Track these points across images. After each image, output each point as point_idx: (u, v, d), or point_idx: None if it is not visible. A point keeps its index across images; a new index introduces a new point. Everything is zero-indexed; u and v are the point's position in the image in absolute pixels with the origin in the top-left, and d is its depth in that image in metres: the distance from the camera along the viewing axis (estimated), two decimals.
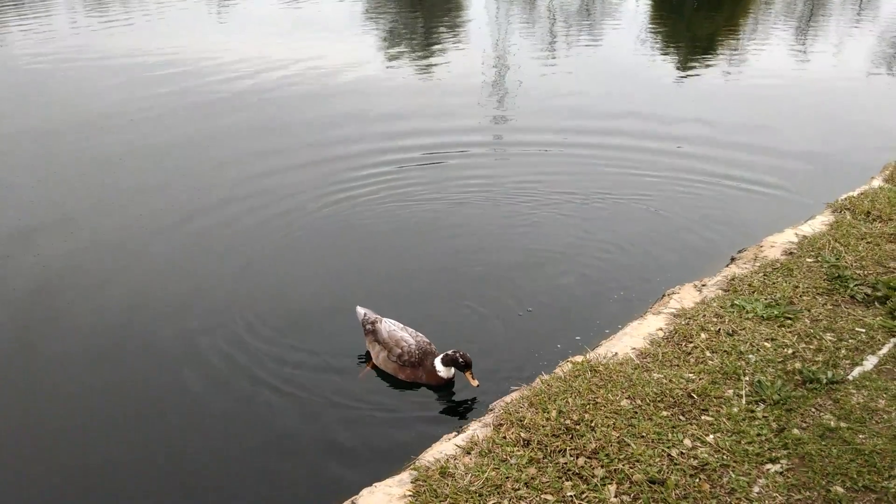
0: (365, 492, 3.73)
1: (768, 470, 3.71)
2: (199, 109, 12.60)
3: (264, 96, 13.34)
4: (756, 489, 3.59)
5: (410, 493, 3.64)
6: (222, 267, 7.22)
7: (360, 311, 5.79)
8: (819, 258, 5.85)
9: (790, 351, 4.67)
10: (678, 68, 16.21)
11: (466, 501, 3.51)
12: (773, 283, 5.51)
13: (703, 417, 4.08)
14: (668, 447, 3.83)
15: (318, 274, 7.18)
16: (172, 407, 5.21)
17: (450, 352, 5.22)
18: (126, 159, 10.07)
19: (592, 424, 3.99)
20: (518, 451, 3.85)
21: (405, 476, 3.80)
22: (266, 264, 7.28)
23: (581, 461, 3.75)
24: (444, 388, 5.37)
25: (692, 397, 4.23)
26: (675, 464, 3.72)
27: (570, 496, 3.54)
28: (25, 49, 17.20)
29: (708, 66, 16.31)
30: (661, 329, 5.05)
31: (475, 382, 5.14)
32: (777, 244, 6.23)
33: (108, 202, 8.65)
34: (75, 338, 6.00)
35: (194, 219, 8.17)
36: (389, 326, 5.52)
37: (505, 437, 3.97)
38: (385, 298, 6.49)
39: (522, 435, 3.96)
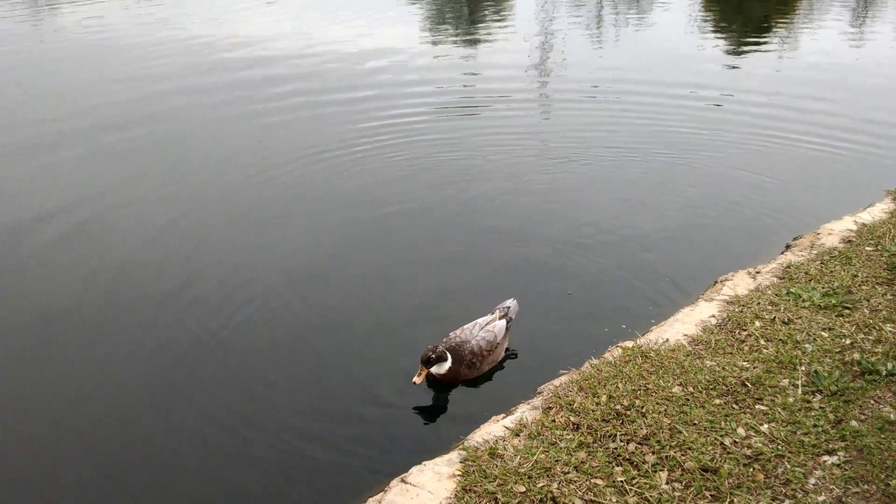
0: (414, 470, 3.75)
1: (825, 462, 3.63)
2: (249, 83, 12.91)
3: (306, 72, 13.57)
4: (812, 481, 3.52)
5: (459, 473, 3.65)
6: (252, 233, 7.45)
7: (509, 303, 5.52)
8: (879, 247, 5.68)
9: (848, 341, 4.55)
10: (729, 50, 15.85)
11: (516, 483, 3.51)
12: (831, 272, 5.37)
13: (757, 407, 4.00)
14: (720, 435, 3.78)
15: (358, 243, 7.27)
16: (218, 380, 5.27)
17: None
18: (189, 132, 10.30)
19: (643, 410, 3.95)
20: (567, 434, 3.83)
21: (454, 456, 3.81)
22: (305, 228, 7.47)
23: (632, 447, 3.72)
24: (437, 386, 5.18)
25: (746, 386, 4.16)
26: (729, 452, 3.66)
27: (621, 482, 3.51)
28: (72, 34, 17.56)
29: (761, 47, 15.91)
30: (713, 316, 4.96)
31: (416, 378, 4.94)
32: (835, 231, 6.07)
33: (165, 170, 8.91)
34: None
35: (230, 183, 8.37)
36: (483, 320, 5.37)
37: (554, 421, 3.95)
38: (412, 275, 6.58)
39: (572, 419, 3.94)
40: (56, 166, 9.16)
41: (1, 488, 4.37)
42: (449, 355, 5.08)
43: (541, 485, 3.49)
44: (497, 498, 3.44)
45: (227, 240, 7.36)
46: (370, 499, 3.73)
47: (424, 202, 8.10)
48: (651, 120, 10.63)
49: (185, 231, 7.47)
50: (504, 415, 4.25)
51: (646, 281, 6.37)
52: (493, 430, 4.01)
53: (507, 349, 5.49)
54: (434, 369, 5.08)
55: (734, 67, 14.17)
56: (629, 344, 4.67)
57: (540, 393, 4.35)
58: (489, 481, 3.54)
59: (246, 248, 7.18)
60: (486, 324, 5.33)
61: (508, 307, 5.51)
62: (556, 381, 4.40)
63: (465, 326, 5.33)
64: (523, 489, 3.47)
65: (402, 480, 3.70)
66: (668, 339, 4.69)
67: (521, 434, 3.89)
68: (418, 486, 3.63)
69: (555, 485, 3.48)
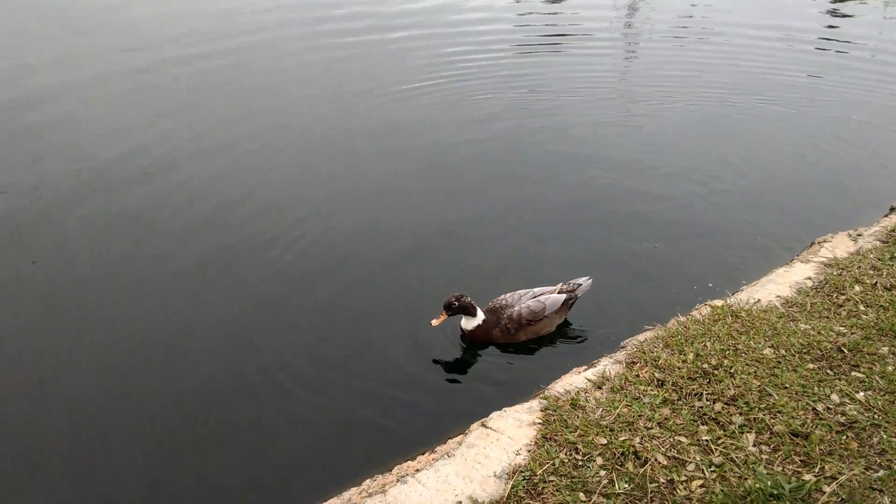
0: (495, 415, 3.79)
1: None
2: (330, 18, 12.89)
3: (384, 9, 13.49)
4: None
5: (540, 421, 3.66)
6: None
7: (581, 280, 5.28)
8: None
9: None
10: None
11: (597, 435, 3.50)
12: None
13: (853, 374, 3.85)
14: (813, 401, 3.65)
15: (432, 184, 7.24)
16: (297, 324, 5.35)
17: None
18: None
19: (732, 371, 3.86)
20: (651, 390, 3.78)
21: (534, 404, 3.83)
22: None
23: (718, 407, 3.64)
24: (468, 342, 5.14)
25: (842, 352, 3.99)
26: (821, 419, 3.55)
27: (706, 441, 3.45)
28: None
29: None
30: (809, 278, 4.76)
31: (434, 320, 4.96)
32: None
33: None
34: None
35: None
36: (540, 290, 5.21)
37: (638, 376, 3.90)
38: (491, 223, 6.47)
39: (657, 375, 3.88)
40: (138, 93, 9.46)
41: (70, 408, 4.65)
42: (479, 312, 5.02)
43: (623, 438, 3.47)
44: (578, 448, 3.45)
45: (291, 173, 7.45)
46: (450, 440, 3.79)
47: (502, 146, 7.99)
48: (747, 63, 10.16)
49: (246, 165, 7.60)
50: (586, 367, 4.23)
51: (737, 238, 6.16)
52: (574, 381, 3.99)
53: (566, 324, 5.27)
54: (463, 323, 5.08)
55: (837, 11, 13.28)
56: (718, 303, 4.55)
57: (623, 347, 4.30)
58: (570, 431, 3.55)
59: (315, 183, 7.26)
60: (541, 294, 5.14)
61: (579, 284, 5.23)
62: (641, 337, 4.34)
63: (518, 291, 5.20)
64: (605, 441, 3.46)
65: (483, 425, 3.74)
66: (759, 300, 4.54)
67: (604, 387, 3.87)
68: (498, 430, 3.66)
69: (637, 439, 3.46)
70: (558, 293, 5.13)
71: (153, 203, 6.89)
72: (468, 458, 3.51)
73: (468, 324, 5.06)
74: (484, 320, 5.04)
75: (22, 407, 4.58)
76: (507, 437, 3.62)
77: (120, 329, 5.27)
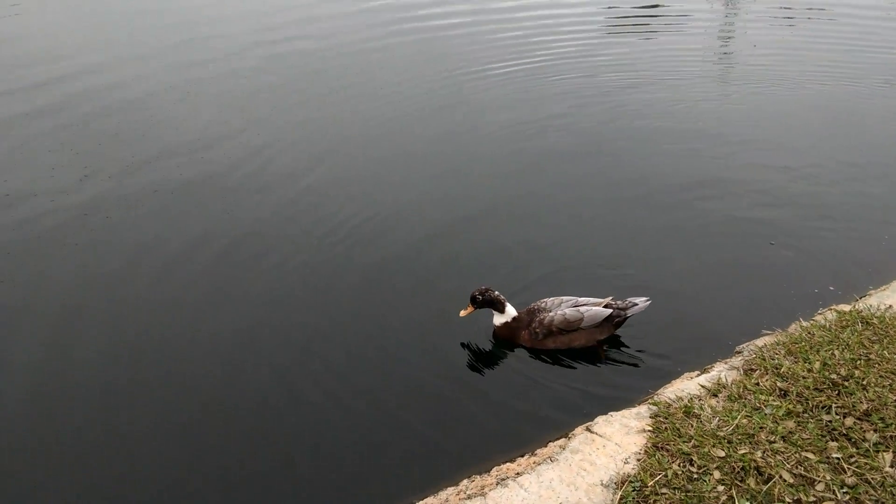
0: (600, 419, 3.60)
1: None
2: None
3: None
4: None
5: (650, 428, 3.45)
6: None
7: (637, 300, 4.82)
8: None
9: None
10: None
11: (713, 446, 3.26)
12: None
13: None
14: None
15: (506, 178, 7.00)
16: (395, 338, 5.21)
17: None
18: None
19: (864, 383, 3.53)
20: (774, 400, 3.50)
21: (643, 410, 3.62)
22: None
23: (849, 421, 3.33)
24: (499, 339, 4.90)
25: None
26: None
27: (836, 458, 3.16)
28: None
29: None
30: None
31: (463, 311, 4.80)
32: None
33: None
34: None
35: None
36: (584, 300, 4.84)
37: (758, 384, 3.63)
38: (575, 217, 6.21)
39: (779, 384, 3.59)
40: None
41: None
42: (509, 308, 4.78)
43: (742, 451, 3.21)
44: (692, 460, 3.22)
45: (348, 163, 7.34)
46: (551, 443, 3.63)
47: (594, 131, 7.70)
48: (856, 42, 9.41)
49: (321, 148, 7.61)
50: (698, 372, 3.98)
51: (861, 237, 5.70)
52: (686, 387, 3.76)
53: (605, 347, 4.84)
54: (495, 318, 4.85)
55: None
56: (846, 308, 4.19)
57: (739, 353, 4.02)
58: (684, 441, 3.32)
59: (392, 169, 7.17)
60: (584, 304, 4.77)
61: (634, 304, 4.78)
62: (759, 342, 4.04)
63: (563, 297, 4.88)
64: (723, 454, 3.22)
65: (588, 429, 3.56)
66: (891, 306, 4.16)
67: (720, 395, 3.61)
68: (605, 436, 3.47)
69: (759, 453, 3.20)
70: (604, 307, 4.73)
71: (216, 188, 6.99)
72: (573, 464, 3.34)
73: (496, 319, 4.87)
74: (514, 318, 4.82)
75: (45, 398, 4.61)
76: (614, 443, 3.42)
77: (172, 319, 5.28)
